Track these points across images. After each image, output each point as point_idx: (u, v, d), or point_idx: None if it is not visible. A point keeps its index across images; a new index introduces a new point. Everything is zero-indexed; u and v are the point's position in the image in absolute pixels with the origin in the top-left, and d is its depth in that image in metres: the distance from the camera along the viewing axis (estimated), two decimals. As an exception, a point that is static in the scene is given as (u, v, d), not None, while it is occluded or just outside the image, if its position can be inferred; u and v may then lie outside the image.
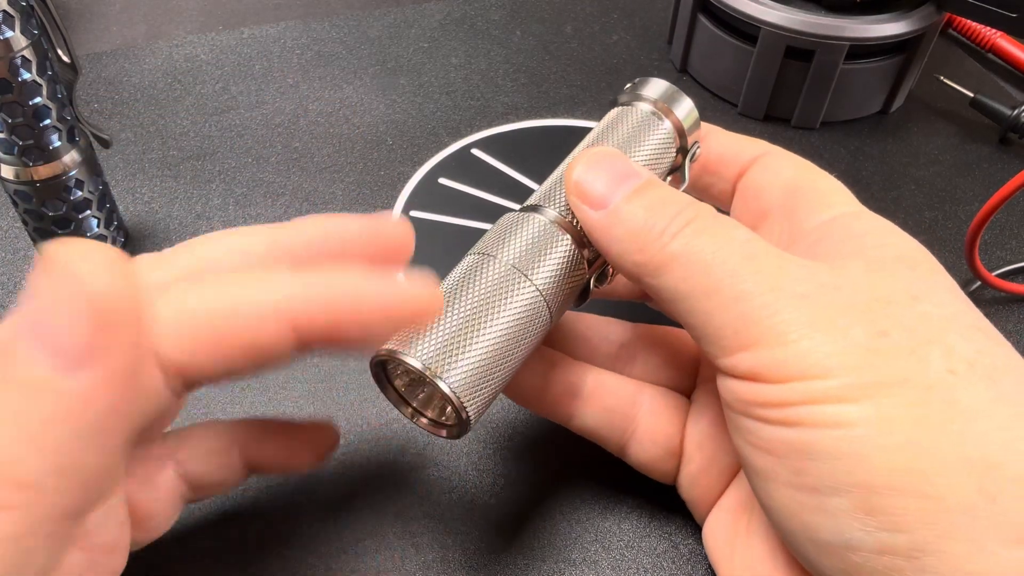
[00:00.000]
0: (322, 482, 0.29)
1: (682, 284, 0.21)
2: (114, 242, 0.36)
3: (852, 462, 0.18)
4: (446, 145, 0.42)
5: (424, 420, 0.24)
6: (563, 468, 0.29)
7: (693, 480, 0.26)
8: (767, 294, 0.20)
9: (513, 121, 0.44)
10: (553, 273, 0.23)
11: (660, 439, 0.26)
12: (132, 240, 0.37)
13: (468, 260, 0.23)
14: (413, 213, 0.39)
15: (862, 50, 0.42)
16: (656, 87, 0.26)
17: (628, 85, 0.27)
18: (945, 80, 0.46)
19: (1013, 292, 0.36)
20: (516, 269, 0.23)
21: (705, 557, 0.27)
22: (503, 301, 0.22)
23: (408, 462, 0.29)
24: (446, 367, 0.21)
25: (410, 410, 0.24)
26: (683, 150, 0.26)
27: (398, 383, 0.24)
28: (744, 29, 0.44)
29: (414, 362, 0.21)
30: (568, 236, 0.23)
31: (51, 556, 0.17)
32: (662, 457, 0.26)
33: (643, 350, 0.28)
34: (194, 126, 0.43)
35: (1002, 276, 0.36)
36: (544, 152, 0.42)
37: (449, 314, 0.22)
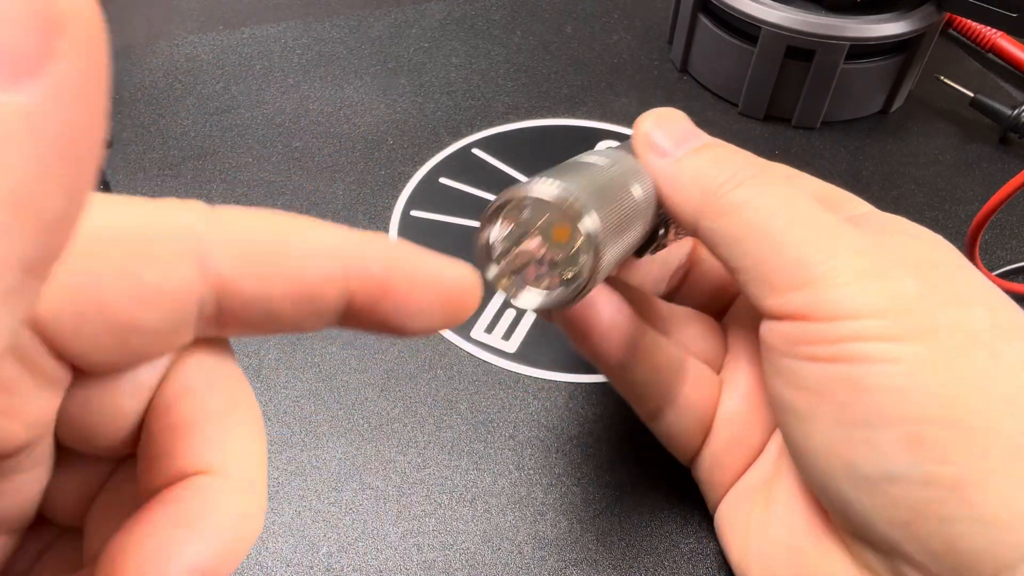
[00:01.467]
0: (322, 480, 0.29)
1: (741, 228, 0.22)
2: (115, 242, 0.36)
3: (901, 395, 0.19)
4: (447, 145, 0.43)
5: (509, 282, 0.22)
6: (563, 468, 0.29)
7: (715, 459, 0.26)
8: (825, 242, 0.21)
9: (513, 121, 0.44)
10: (649, 192, 0.24)
11: (699, 409, 0.26)
12: (133, 240, 0.37)
13: (591, 156, 0.23)
14: (413, 213, 0.39)
15: (862, 50, 0.42)
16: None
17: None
18: (945, 80, 0.46)
19: (1013, 292, 0.36)
20: (634, 173, 0.23)
21: (706, 556, 0.27)
22: (628, 188, 0.22)
23: (409, 461, 0.29)
24: (589, 210, 0.20)
25: (501, 268, 0.22)
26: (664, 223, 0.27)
27: (502, 238, 0.22)
28: (744, 29, 0.44)
29: (562, 194, 0.20)
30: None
31: None
32: (693, 429, 0.26)
33: (677, 325, 0.28)
34: (195, 126, 0.43)
35: (1002, 276, 0.37)
36: (544, 152, 0.42)
37: (584, 176, 0.21)
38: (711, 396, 0.26)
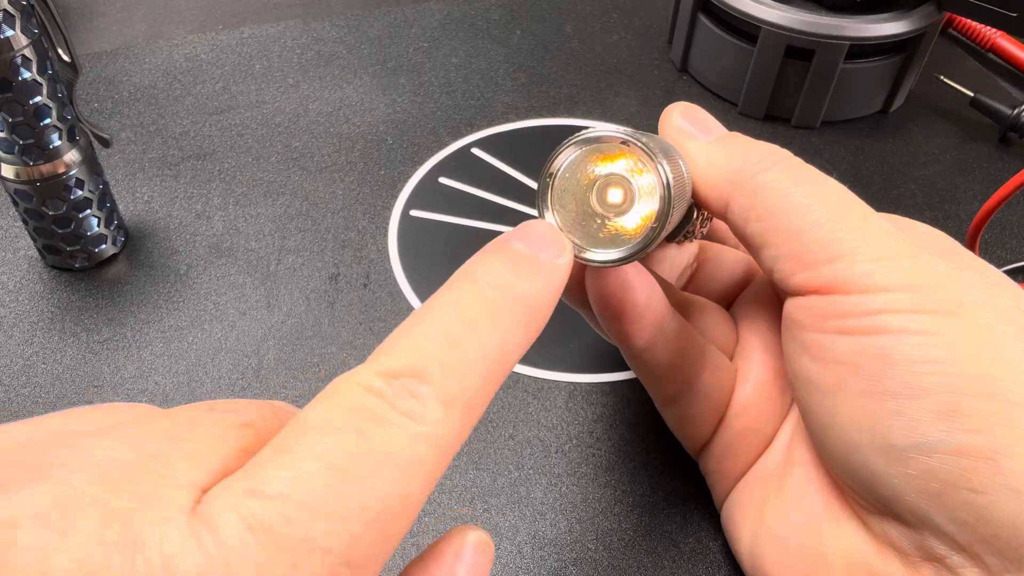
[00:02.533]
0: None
1: (774, 203, 0.22)
2: (114, 242, 0.36)
3: (935, 366, 0.19)
4: (446, 144, 0.43)
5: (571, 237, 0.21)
6: (563, 468, 0.29)
7: (726, 448, 0.26)
8: (856, 221, 0.21)
9: (513, 121, 0.44)
10: (688, 172, 0.24)
11: (716, 396, 0.26)
12: (132, 239, 0.37)
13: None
14: (413, 212, 0.39)
15: (862, 50, 0.42)
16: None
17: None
18: (945, 80, 0.46)
19: (1013, 291, 0.36)
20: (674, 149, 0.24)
21: (706, 556, 0.27)
22: (678, 158, 0.23)
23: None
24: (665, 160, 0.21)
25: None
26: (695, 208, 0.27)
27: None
28: (744, 29, 0.44)
29: (640, 137, 0.21)
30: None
31: None
32: (708, 416, 0.26)
33: (695, 311, 0.28)
34: (194, 126, 0.43)
35: (1002, 276, 0.36)
36: (544, 152, 0.42)
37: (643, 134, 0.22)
38: (728, 383, 0.27)
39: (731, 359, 0.27)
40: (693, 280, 0.30)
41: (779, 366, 0.26)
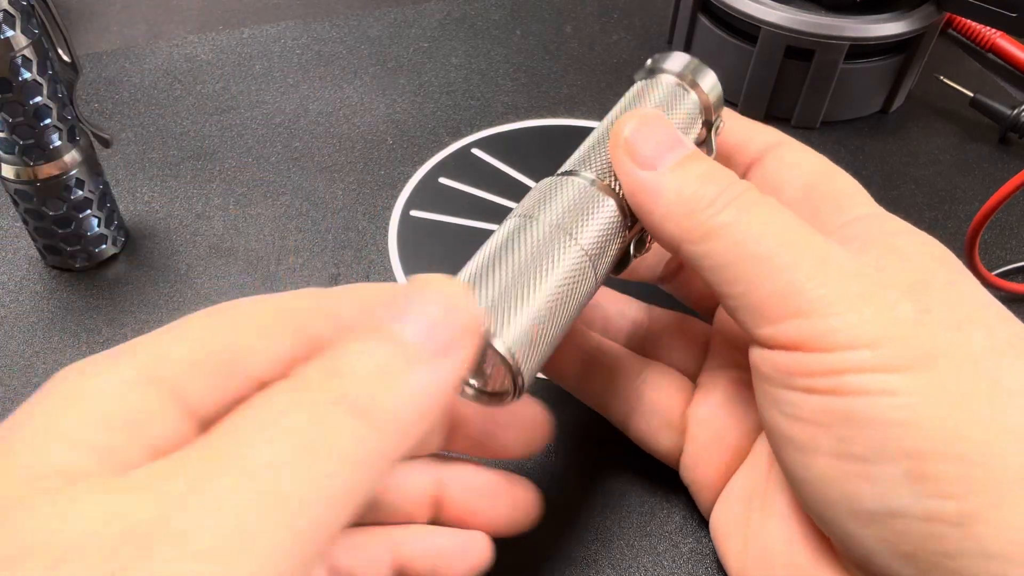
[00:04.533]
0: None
1: (729, 251, 0.21)
2: (114, 242, 0.36)
3: (902, 430, 0.18)
4: (446, 145, 0.43)
5: (469, 390, 0.22)
6: (563, 468, 0.29)
7: (696, 459, 0.26)
8: (817, 266, 0.20)
9: (513, 121, 0.44)
10: (598, 234, 0.22)
11: (661, 410, 0.26)
12: (132, 240, 0.37)
13: (509, 223, 0.22)
14: (413, 213, 0.39)
15: (862, 50, 0.42)
16: (679, 60, 0.25)
17: (648, 61, 0.26)
18: (945, 80, 0.46)
19: (1013, 292, 0.36)
20: (561, 229, 0.22)
21: (705, 556, 0.27)
22: (550, 262, 0.21)
23: (408, 461, 0.29)
24: (499, 327, 0.20)
25: None
26: (708, 123, 0.26)
27: None
28: (744, 29, 0.44)
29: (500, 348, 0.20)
30: (611, 199, 0.23)
31: None
32: (662, 429, 0.27)
33: (655, 331, 0.28)
34: (194, 126, 0.43)
35: (1002, 276, 0.36)
36: (544, 152, 0.42)
37: (495, 276, 0.21)
38: (675, 399, 0.27)
39: (697, 374, 0.28)
40: (678, 276, 0.29)
41: (747, 378, 0.25)
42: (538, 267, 0.21)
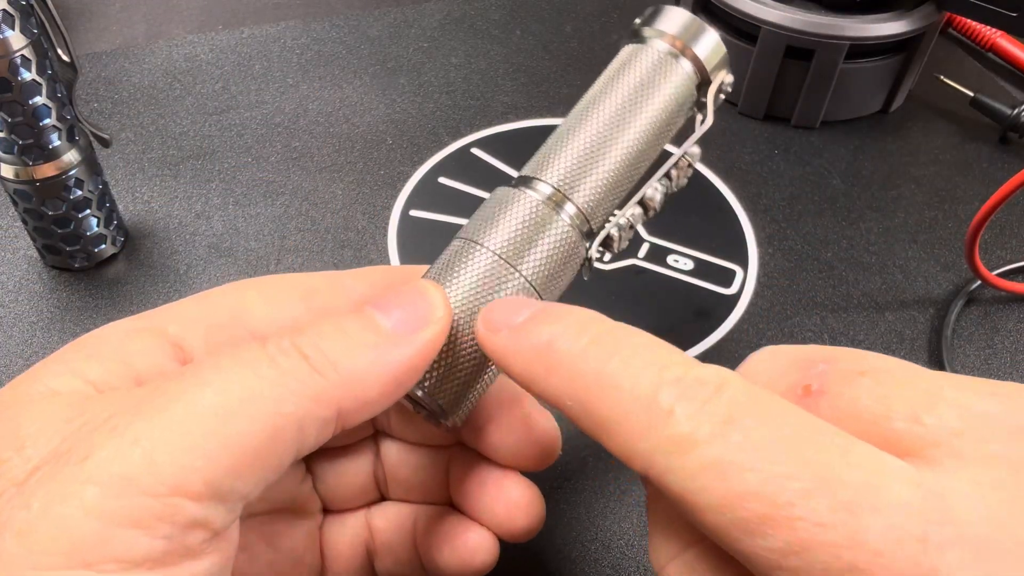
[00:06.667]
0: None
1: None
2: (114, 241, 0.36)
3: None
4: (446, 144, 0.43)
5: (407, 403, 0.21)
6: (562, 468, 0.29)
7: None
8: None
9: (513, 121, 0.44)
10: (544, 259, 0.21)
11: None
12: (132, 239, 0.37)
13: (454, 245, 0.21)
14: (413, 212, 0.39)
15: (862, 49, 0.42)
16: (674, 20, 0.22)
17: (643, 14, 0.23)
18: (945, 80, 0.46)
19: (1013, 291, 0.36)
20: (501, 259, 0.21)
21: (705, 556, 0.27)
22: (488, 294, 0.20)
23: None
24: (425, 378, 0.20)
25: None
26: (706, 83, 0.23)
27: None
28: (744, 29, 0.44)
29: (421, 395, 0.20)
30: (564, 216, 0.21)
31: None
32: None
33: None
34: (194, 126, 0.43)
35: (1002, 275, 0.36)
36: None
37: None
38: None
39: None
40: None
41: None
42: (474, 302, 0.20)
